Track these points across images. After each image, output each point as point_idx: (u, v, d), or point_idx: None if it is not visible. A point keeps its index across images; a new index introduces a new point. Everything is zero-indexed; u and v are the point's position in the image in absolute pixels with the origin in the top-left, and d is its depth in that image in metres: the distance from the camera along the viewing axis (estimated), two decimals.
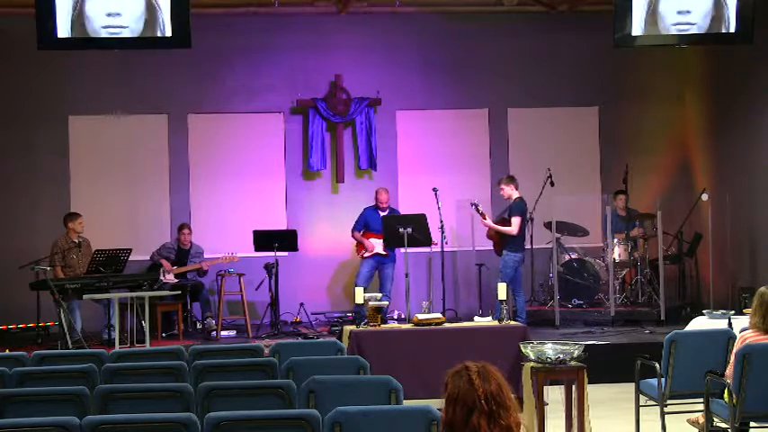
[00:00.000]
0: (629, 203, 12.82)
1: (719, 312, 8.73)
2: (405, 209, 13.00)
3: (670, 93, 13.93)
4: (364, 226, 12.16)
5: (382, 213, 12.07)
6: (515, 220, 11.00)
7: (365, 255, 12.07)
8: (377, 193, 12.25)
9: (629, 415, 7.73)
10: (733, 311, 8.72)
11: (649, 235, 12.59)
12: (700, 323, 8.73)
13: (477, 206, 11.16)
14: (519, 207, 11.10)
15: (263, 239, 11.99)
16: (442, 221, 11.60)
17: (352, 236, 12.24)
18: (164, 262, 12.02)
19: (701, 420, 7.00)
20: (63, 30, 9.89)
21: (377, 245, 11.99)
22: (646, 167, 13.52)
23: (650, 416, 7.49)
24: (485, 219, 11.18)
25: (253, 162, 13.29)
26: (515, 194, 11.16)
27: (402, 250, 11.34)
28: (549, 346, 7.08)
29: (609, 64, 13.36)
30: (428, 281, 12.57)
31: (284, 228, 13.02)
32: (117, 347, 9.83)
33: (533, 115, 13.73)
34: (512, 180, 11.28)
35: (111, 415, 5.07)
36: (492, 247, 11.43)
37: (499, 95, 13.63)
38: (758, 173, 12.32)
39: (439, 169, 13.29)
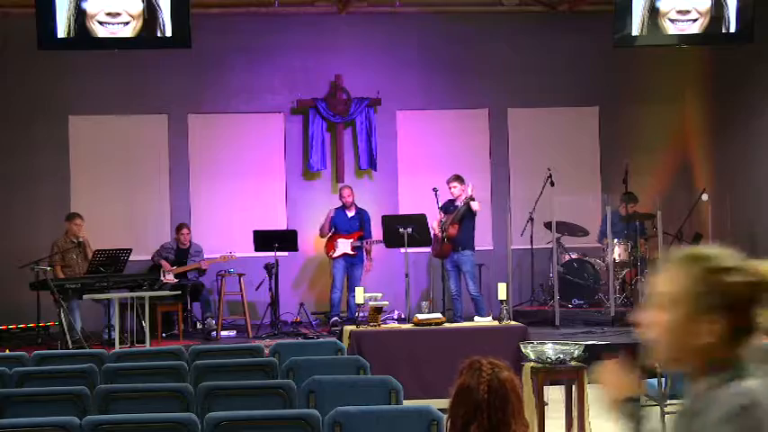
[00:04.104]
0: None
1: None
2: (405, 209, 13.00)
3: (670, 93, 13.91)
4: (332, 227, 12.23)
5: (350, 214, 12.20)
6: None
7: (333, 255, 12.12)
8: (340, 190, 12.38)
9: None
10: None
11: (649, 235, 12.58)
12: None
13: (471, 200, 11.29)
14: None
15: (263, 239, 12.00)
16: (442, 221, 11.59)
17: (321, 236, 12.39)
18: (163, 262, 12.01)
19: None
20: (63, 30, 9.89)
21: (345, 245, 12.06)
22: (646, 167, 13.50)
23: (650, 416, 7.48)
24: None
25: (253, 162, 13.28)
26: (465, 195, 11.38)
27: (402, 250, 11.36)
28: (549, 346, 7.10)
29: (609, 64, 13.34)
30: (428, 281, 12.56)
31: (284, 228, 13.02)
32: (117, 347, 9.82)
33: (533, 115, 13.72)
34: (463, 180, 11.45)
35: (112, 415, 5.08)
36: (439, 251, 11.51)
37: (499, 95, 13.61)
38: (758, 173, 12.31)
39: (439, 169, 13.26)
